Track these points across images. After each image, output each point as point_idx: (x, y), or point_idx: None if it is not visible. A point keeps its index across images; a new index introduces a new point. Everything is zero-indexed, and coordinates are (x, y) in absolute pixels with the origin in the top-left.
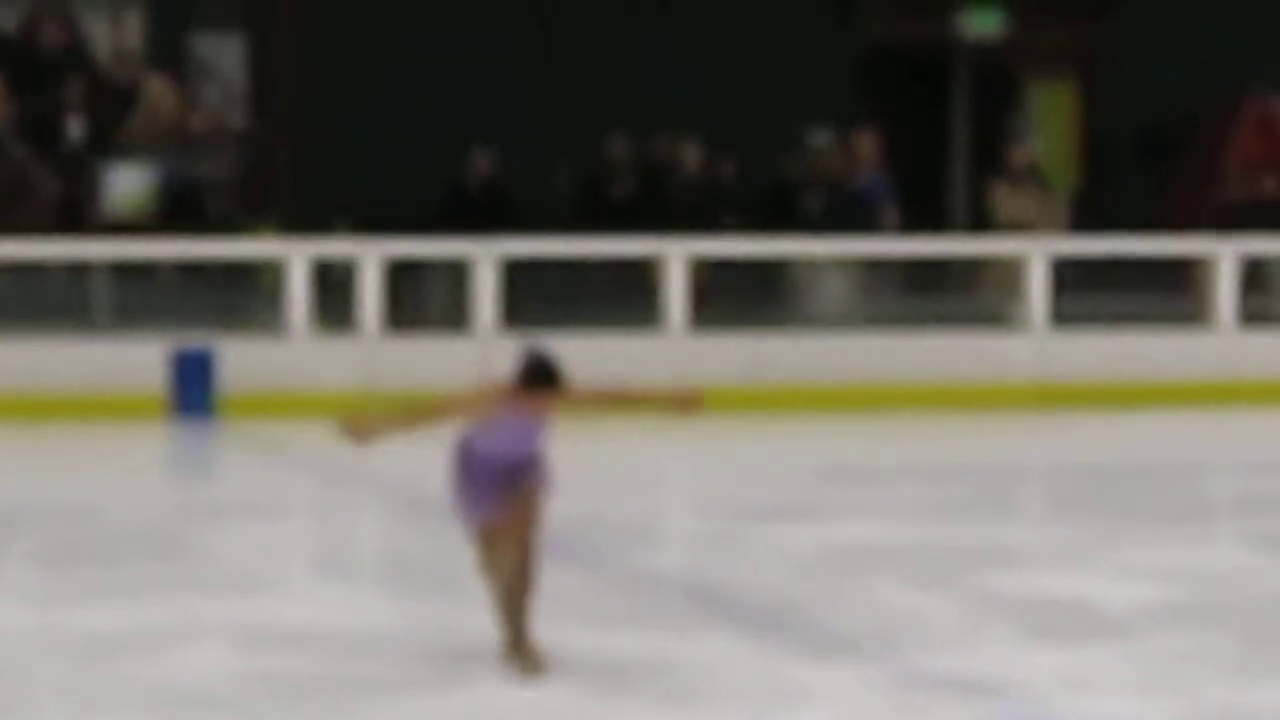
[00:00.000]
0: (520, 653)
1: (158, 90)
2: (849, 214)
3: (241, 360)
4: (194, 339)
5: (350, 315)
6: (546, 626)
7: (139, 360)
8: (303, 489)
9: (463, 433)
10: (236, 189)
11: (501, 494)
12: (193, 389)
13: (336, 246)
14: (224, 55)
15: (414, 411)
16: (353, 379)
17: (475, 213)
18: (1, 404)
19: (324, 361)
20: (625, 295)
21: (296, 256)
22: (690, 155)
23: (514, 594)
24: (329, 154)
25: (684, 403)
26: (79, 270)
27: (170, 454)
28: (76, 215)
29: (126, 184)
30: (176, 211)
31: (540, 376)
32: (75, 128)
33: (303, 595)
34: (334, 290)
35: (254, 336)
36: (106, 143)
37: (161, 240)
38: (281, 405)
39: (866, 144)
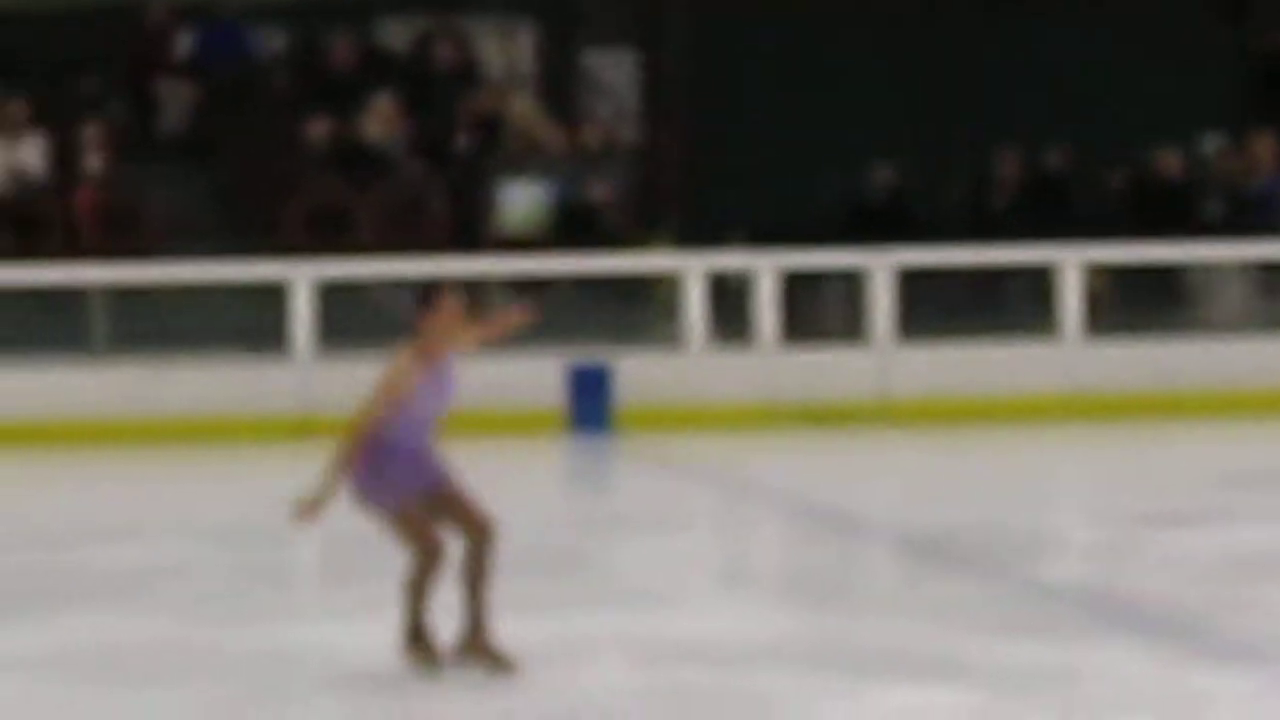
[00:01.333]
0: (414, 647)
1: (521, 111)
2: (1247, 217)
3: (638, 374)
4: (591, 354)
5: (746, 328)
6: (944, 634)
7: (537, 376)
8: (700, 502)
9: (380, 431)
10: (629, 203)
11: (423, 483)
12: (590, 404)
13: (732, 259)
14: (615, 71)
15: (344, 442)
16: (750, 392)
17: (876, 225)
18: None
19: (721, 374)
20: (1021, 303)
21: (693, 270)
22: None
23: (422, 574)
24: (721, 167)
25: (515, 321)
26: (474, 287)
27: (568, 468)
28: (470, 232)
29: (520, 201)
30: (570, 227)
31: (429, 304)
32: (466, 146)
33: (702, 608)
34: (729, 303)
35: (650, 350)
36: (495, 161)
37: (556, 256)
38: (678, 419)
39: (1265, 146)
